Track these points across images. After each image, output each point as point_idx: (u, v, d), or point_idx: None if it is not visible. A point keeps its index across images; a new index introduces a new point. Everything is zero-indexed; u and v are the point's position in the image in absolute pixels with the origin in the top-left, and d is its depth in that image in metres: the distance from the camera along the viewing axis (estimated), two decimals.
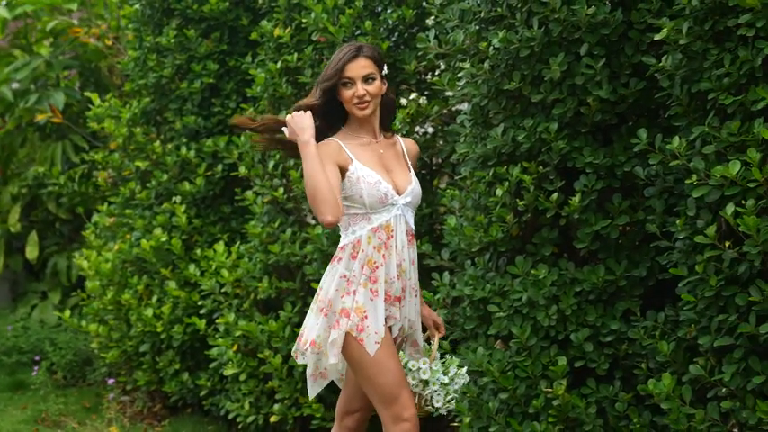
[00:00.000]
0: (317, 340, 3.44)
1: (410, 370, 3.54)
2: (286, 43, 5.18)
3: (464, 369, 3.66)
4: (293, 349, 3.56)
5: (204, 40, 6.07)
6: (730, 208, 3.13)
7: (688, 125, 3.45)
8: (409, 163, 3.64)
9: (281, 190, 5.10)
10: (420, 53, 4.79)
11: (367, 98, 3.46)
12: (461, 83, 4.16)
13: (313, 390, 3.61)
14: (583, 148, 3.83)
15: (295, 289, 5.12)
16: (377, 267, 3.44)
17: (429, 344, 3.76)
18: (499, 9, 3.91)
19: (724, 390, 3.29)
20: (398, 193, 3.51)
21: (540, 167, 3.89)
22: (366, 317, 3.42)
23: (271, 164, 5.19)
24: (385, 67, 3.54)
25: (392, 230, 3.46)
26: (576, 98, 3.80)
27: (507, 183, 3.91)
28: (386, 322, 3.47)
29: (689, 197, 3.37)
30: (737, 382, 3.24)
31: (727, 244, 3.21)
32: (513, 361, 3.89)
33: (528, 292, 3.85)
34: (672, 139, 3.40)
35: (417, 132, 5.11)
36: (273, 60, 5.26)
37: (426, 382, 3.55)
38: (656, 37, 3.42)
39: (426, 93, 5.06)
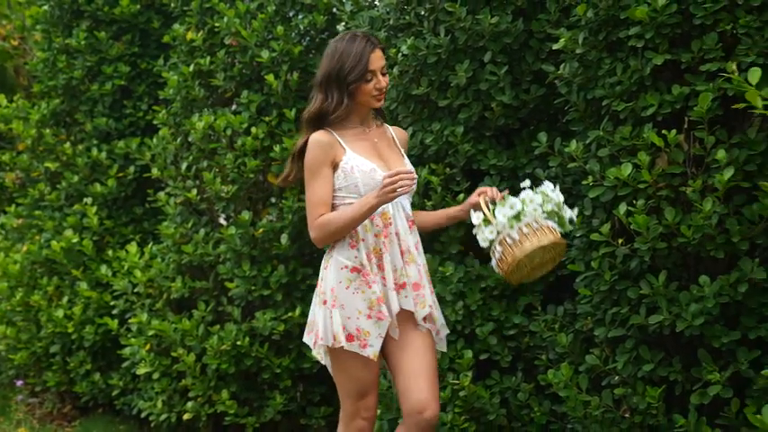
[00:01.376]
0: (320, 332, 3.39)
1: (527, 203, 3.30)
2: (198, 47, 5.25)
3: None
4: (313, 344, 3.48)
5: (115, 42, 6.08)
6: (623, 207, 3.32)
7: (584, 129, 3.65)
8: (402, 150, 3.59)
9: (195, 191, 5.16)
10: None
11: (385, 89, 3.43)
12: None
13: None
14: (487, 150, 4.02)
15: (208, 288, 5.19)
16: (382, 255, 3.39)
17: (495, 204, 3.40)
18: (407, 17, 4.07)
19: (617, 378, 3.49)
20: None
21: (447, 169, 4.07)
22: (383, 303, 3.38)
23: (184, 165, 5.25)
24: None
25: (390, 218, 3.41)
26: (480, 103, 3.99)
27: (417, 184, 4.07)
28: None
29: (585, 197, 3.56)
30: (629, 371, 3.44)
31: (620, 241, 3.41)
32: None
33: (436, 289, 4.02)
34: (569, 142, 3.59)
35: None
36: (186, 63, 5.32)
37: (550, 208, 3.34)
38: (555, 46, 3.62)
39: None
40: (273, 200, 5.17)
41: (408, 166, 3.52)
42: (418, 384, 3.38)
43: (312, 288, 5.09)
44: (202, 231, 5.17)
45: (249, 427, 5.02)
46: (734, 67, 2.98)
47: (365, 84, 3.37)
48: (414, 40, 3.99)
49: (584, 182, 3.49)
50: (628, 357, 3.45)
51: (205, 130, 5.06)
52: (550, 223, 3.29)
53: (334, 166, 3.39)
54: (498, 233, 3.28)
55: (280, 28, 4.95)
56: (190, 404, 5.11)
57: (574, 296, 3.81)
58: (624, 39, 3.38)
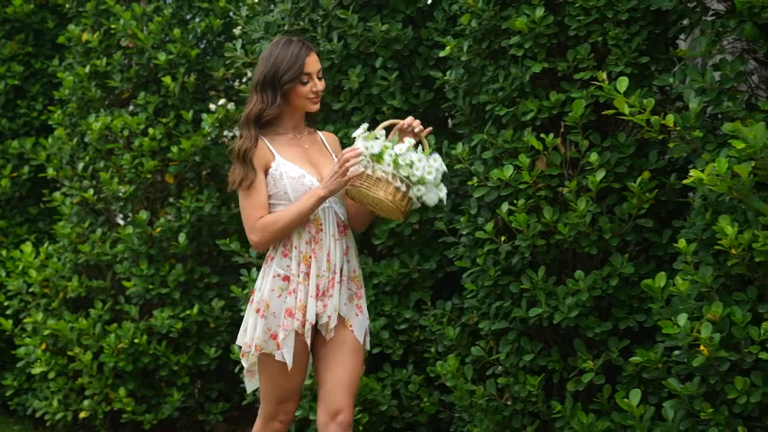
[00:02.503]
0: (257, 342, 3.40)
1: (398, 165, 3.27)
2: (94, 48, 5.28)
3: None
4: (242, 347, 3.50)
5: (8, 41, 6.05)
6: (505, 206, 3.50)
7: (470, 133, 3.85)
8: (333, 155, 3.54)
9: (91, 191, 5.19)
10: (228, 61, 5.01)
11: (320, 93, 3.43)
12: None
13: (251, 385, 3.59)
14: None
15: (105, 287, 5.22)
16: (311, 262, 3.39)
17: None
18: (302, 23, 4.21)
19: (500, 368, 3.69)
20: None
21: None
22: (302, 311, 3.39)
23: (80, 165, 5.27)
24: None
25: (321, 223, 3.40)
26: (372, 107, 4.15)
27: None
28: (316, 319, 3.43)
29: (471, 197, 3.74)
30: (511, 361, 3.64)
31: (502, 238, 3.60)
32: None
33: None
34: (456, 145, 3.78)
35: (226, 136, 5.32)
36: (81, 64, 5.34)
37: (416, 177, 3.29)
38: (442, 54, 3.80)
39: (234, 99, 5.29)
40: (171, 200, 5.24)
41: None
42: (337, 389, 3.44)
43: (209, 286, 5.20)
44: (99, 231, 5.20)
45: (147, 424, 5.08)
46: (604, 75, 3.20)
47: (301, 86, 3.37)
48: None
49: (469, 182, 3.66)
50: (510, 348, 3.65)
51: (102, 130, 5.10)
52: (398, 185, 3.27)
53: (265, 172, 3.39)
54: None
55: (177, 31, 5.02)
56: (86, 402, 5.14)
57: (460, 291, 3.99)
58: (506, 48, 3.58)
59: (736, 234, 2.84)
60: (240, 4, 5.07)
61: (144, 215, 5.00)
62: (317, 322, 3.42)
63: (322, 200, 3.34)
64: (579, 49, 3.42)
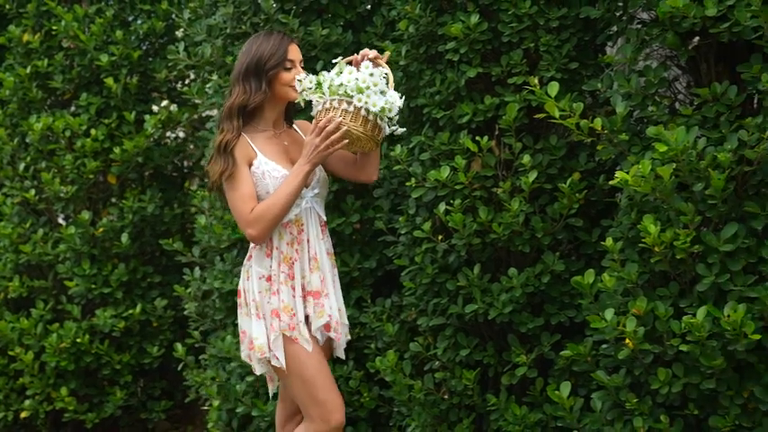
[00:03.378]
0: (255, 343, 3.35)
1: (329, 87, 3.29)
2: (35, 49, 5.29)
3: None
4: (249, 356, 3.42)
5: None
6: (442, 206, 3.61)
7: (408, 135, 3.95)
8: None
9: (33, 191, 5.20)
10: (170, 63, 5.05)
11: None
12: (210, 92, 4.50)
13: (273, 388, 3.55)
14: None
15: (47, 287, 5.24)
16: (293, 263, 3.36)
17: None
18: (243, 26, 4.27)
19: (438, 363, 3.80)
20: (306, 185, 3.38)
21: None
22: (294, 314, 3.34)
23: (21, 166, 5.27)
24: None
25: (303, 224, 3.37)
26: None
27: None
28: (306, 321, 3.40)
29: (410, 197, 3.84)
30: (448, 356, 3.75)
31: (440, 237, 3.71)
32: None
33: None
34: (395, 147, 3.87)
35: (168, 137, 5.37)
36: (22, 65, 5.35)
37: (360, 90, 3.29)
38: None
39: (177, 100, 5.34)
40: (114, 200, 5.27)
41: (318, 168, 3.45)
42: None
43: (152, 286, 5.24)
44: (41, 231, 5.21)
45: (89, 423, 5.11)
46: (536, 80, 3.32)
47: (284, 72, 3.35)
48: None
49: (408, 183, 3.76)
50: (447, 344, 3.76)
51: (43, 131, 5.12)
52: (345, 107, 3.29)
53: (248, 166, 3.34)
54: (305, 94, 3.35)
55: (119, 32, 5.05)
56: (27, 402, 5.15)
57: (399, 289, 4.09)
58: (442, 53, 3.69)
59: (659, 233, 2.98)
60: (183, 6, 5.12)
61: (86, 215, 5.02)
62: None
63: (308, 174, 3.29)
64: (512, 54, 3.55)
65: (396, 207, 4.12)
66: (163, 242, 4.81)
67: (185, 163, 5.58)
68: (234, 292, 4.38)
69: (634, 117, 3.33)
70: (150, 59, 5.28)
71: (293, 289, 3.35)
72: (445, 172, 3.60)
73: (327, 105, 3.29)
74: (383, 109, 3.30)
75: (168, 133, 5.34)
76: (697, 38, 3.14)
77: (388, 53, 3.47)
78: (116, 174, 5.13)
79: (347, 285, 4.33)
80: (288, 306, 3.32)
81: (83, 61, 5.11)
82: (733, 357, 2.96)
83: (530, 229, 3.54)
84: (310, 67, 4.20)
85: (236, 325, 4.41)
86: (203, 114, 5.38)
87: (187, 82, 5.41)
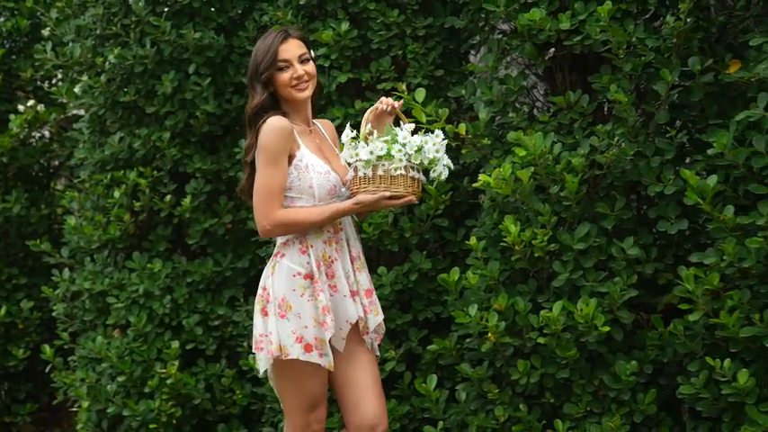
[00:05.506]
0: (274, 342, 3.07)
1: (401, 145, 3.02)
2: None
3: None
4: (264, 356, 3.13)
5: None
6: None
7: None
8: (333, 144, 3.31)
9: None
10: (37, 63, 4.99)
11: (306, 78, 3.13)
12: (79, 92, 4.48)
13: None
14: (193, 155, 4.32)
15: None
16: (332, 262, 3.14)
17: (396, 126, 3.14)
18: (114, 28, 4.28)
19: None
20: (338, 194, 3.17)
21: (155, 172, 4.32)
22: (324, 321, 3.08)
23: None
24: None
25: (340, 224, 3.17)
26: (186, 111, 4.28)
27: (124, 186, 4.29)
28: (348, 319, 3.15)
29: None
30: None
31: None
32: (131, 347, 4.27)
33: (144, 284, 4.26)
34: None
35: (34, 137, 5.30)
36: None
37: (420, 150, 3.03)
38: None
39: (44, 100, 5.26)
40: None
41: (342, 161, 3.18)
42: (369, 398, 3.16)
43: (18, 287, 5.16)
44: None
45: None
46: (404, 86, 3.45)
47: (279, 73, 3.12)
48: (120, 50, 4.20)
49: None
50: None
51: None
52: (414, 174, 3.04)
53: (289, 159, 3.10)
54: (357, 161, 3.05)
55: None
56: None
57: None
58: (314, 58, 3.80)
59: (519, 232, 3.17)
60: (49, 5, 5.06)
61: None
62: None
63: (340, 216, 3.11)
64: (381, 61, 3.69)
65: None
66: (30, 243, 4.75)
67: (51, 163, 5.50)
68: (104, 293, 4.38)
69: (496, 123, 3.52)
70: (14, 57, 5.19)
71: (332, 288, 3.14)
72: None
73: (394, 173, 3.01)
74: (440, 174, 3.09)
75: (34, 133, 5.27)
76: (553, 49, 3.35)
77: (402, 101, 3.24)
78: None
79: (219, 285, 4.40)
80: (327, 306, 3.09)
81: None
82: (585, 348, 3.17)
83: (398, 229, 3.69)
84: (183, 70, 4.24)
85: (106, 326, 4.42)
86: (71, 114, 5.32)
87: (54, 81, 5.35)
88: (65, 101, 4.85)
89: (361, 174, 3.03)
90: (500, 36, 3.55)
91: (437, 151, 3.03)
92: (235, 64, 4.29)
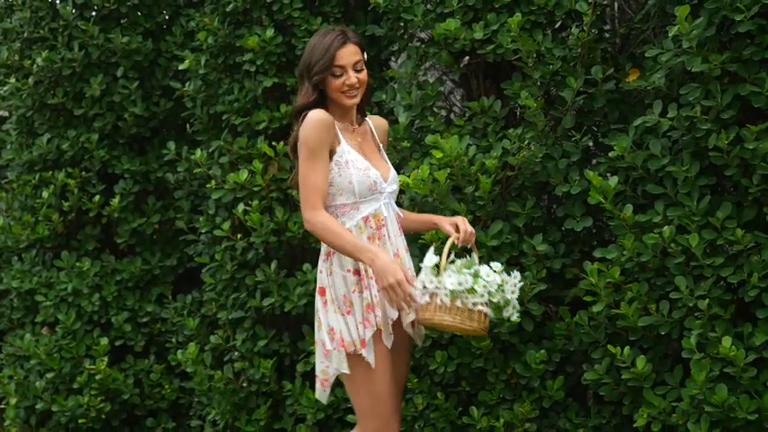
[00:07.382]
0: (346, 339, 3.03)
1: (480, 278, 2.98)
2: None
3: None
4: (332, 352, 3.06)
5: None
6: (241, 207, 3.84)
7: (208, 139, 4.16)
8: (381, 146, 3.27)
9: None
10: None
11: (357, 86, 3.07)
12: (5, 94, 4.52)
13: (324, 395, 3.14)
14: (121, 156, 4.41)
15: None
16: None
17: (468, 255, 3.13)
18: (42, 31, 4.35)
19: (237, 353, 4.03)
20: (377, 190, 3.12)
21: (84, 173, 4.40)
22: (371, 310, 3.06)
23: None
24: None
25: (382, 219, 3.12)
26: (114, 113, 4.37)
27: (53, 186, 4.36)
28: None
29: (210, 198, 4.05)
30: (247, 347, 3.99)
31: (239, 236, 3.93)
32: (59, 344, 4.34)
33: (73, 283, 4.34)
34: (195, 150, 4.07)
35: None
36: None
37: (501, 287, 2.99)
38: (181, 67, 4.09)
39: None
40: None
41: (385, 158, 3.23)
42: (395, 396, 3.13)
43: None
44: None
45: None
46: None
47: (333, 78, 3.05)
48: (48, 53, 4.27)
49: (208, 185, 3.98)
50: (246, 335, 4.00)
51: None
52: (487, 310, 3.00)
53: (330, 154, 3.06)
54: (437, 288, 2.97)
55: None
56: None
57: (200, 285, 4.30)
58: (240, 63, 3.94)
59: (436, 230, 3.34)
60: None
61: None
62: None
63: (366, 260, 2.97)
64: None
65: (196, 208, 4.32)
66: None
67: None
68: (33, 291, 4.44)
69: (415, 126, 3.68)
70: None
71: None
72: (243, 175, 3.86)
73: (471, 307, 2.96)
74: (511, 315, 3.06)
75: None
76: (467, 57, 3.54)
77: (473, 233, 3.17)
78: None
79: (148, 283, 4.49)
80: (371, 303, 3.06)
81: None
82: (498, 339, 3.37)
83: None
84: (111, 73, 4.32)
85: (35, 323, 4.48)
86: None
87: None
88: None
89: (438, 301, 2.96)
90: (418, 44, 3.72)
91: (513, 292, 3.02)
92: (162, 68, 4.39)
